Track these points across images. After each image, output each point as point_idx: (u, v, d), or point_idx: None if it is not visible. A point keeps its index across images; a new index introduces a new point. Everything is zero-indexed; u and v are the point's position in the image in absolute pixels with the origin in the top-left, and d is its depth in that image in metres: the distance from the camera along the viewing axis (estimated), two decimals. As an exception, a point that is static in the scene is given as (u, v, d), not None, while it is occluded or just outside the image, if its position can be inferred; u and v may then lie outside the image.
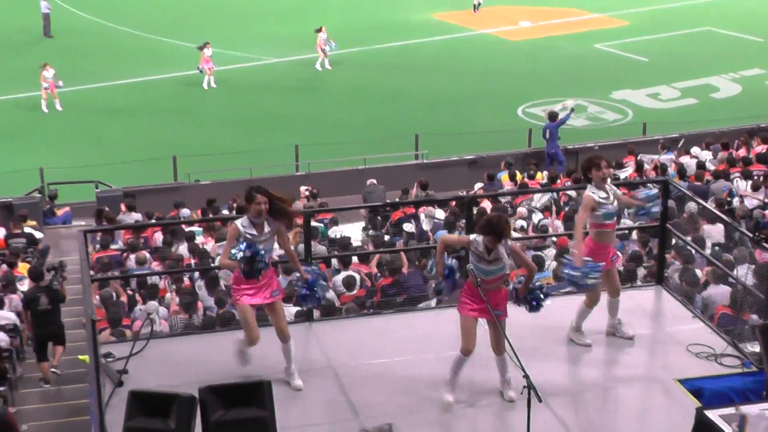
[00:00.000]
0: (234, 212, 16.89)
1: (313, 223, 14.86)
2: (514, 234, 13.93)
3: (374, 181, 20.76)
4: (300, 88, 31.22)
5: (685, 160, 20.35)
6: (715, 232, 14.53)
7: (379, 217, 18.19)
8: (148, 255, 15.61)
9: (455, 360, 9.11)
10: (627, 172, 19.64)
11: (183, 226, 16.94)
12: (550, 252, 14.76)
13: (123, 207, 18.80)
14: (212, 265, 14.56)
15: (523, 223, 16.45)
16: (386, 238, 16.74)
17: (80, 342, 13.77)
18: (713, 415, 8.01)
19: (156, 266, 15.34)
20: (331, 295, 12.94)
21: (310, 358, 10.06)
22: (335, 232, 16.89)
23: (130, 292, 14.49)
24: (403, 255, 14.84)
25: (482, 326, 9.16)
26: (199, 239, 16.40)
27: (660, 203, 10.58)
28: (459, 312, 9.10)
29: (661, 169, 18.92)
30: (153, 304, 13.64)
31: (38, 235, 18.08)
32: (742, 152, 20.41)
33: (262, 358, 9.45)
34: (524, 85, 31.25)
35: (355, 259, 14.81)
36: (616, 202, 9.89)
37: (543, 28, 37.74)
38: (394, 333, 10.64)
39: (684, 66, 32.96)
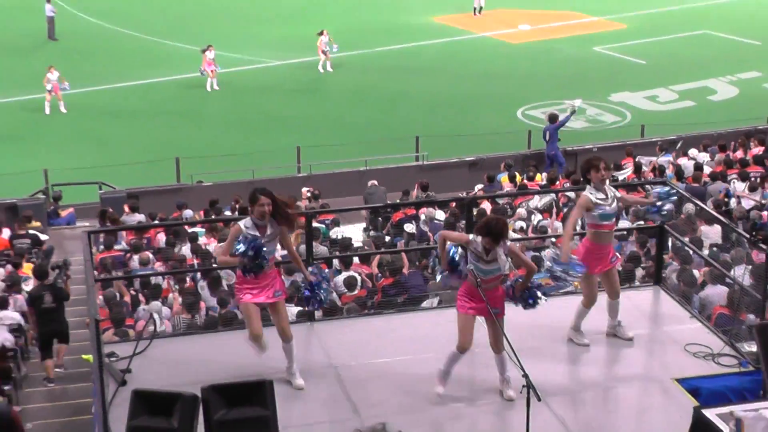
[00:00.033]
0: (236, 213, 16.95)
1: (315, 224, 14.89)
2: (514, 235, 14.04)
3: (375, 182, 20.80)
4: (301, 90, 31.26)
5: (682, 161, 20.38)
6: (712, 233, 14.59)
7: (380, 218, 18.22)
8: (151, 255, 15.66)
9: (450, 355, 9.17)
10: (625, 174, 19.67)
11: (186, 227, 17.02)
12: (549, 253, 14.79)
13: (126, 208, 18.82)
14: (215, 265, 14.63)
15: (523, 224, 16.53)
16: (387, 238, 16.82)
17: (84, 341, 13.85)
18: (710, 414, 8.02)
19: (159, 267, 15.39)
20: (332, 295, 13.00)
21: (311, 357, 10.09)
22: (336, 232, 16.97)
23: (133, 293, 14.55)
24: (404, 255, 14.93)
25: (482, 326, 9.20)
26: (201, 240, 16.44)
27: (674, 200, 10.62)
28: (457, 310, 9.15)
29: (659, 170, 18.96)
30: (156, 304, 13.73)
31: (43, 236, 18.11)
32: (739, 154, 20.48)
33: (264, 358, 9.48)
34: (524, 87, 31.27)
35: (356, 259, 14.87)
36: (615, 204, 9.89)
37: (542, 31, 37.72)
38: (395, 333, 10.67)
39: (682, 69, 32.97)
